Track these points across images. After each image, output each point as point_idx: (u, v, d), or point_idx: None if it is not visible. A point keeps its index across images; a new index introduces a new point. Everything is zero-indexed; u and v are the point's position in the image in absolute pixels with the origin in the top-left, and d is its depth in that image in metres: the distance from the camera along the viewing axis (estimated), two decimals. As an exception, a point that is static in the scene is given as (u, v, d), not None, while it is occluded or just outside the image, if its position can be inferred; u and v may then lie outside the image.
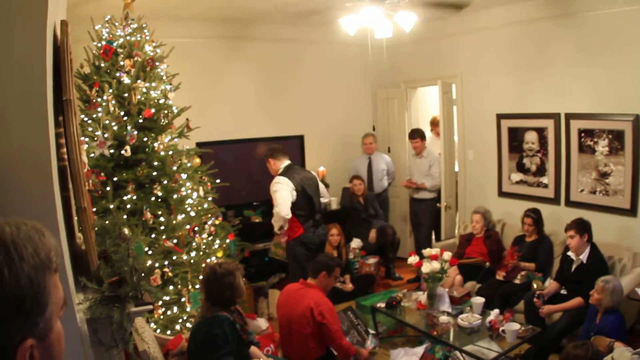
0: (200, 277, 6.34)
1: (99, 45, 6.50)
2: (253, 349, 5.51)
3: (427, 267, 7.46)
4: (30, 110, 3.06)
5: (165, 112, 6.71)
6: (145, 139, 6.43)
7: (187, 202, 6.77)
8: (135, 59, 6.48)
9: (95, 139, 5.91)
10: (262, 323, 7.26)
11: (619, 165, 7.80)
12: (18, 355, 1.38)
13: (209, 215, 7.15)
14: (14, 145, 3.05)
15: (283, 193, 7.88)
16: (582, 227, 7.06)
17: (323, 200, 8.81)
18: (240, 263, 6.48)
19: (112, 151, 6.11)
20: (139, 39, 6.63)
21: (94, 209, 5.67)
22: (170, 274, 6.27)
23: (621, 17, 7.57)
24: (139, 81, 6.42)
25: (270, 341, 6.75)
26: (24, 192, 3.09)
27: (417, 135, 10.68)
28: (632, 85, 7.55)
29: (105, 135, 5.99)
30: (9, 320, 1.36)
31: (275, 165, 8.34)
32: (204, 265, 6.62)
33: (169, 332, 6.25)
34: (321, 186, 8.74)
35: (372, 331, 7.75)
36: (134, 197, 6.30)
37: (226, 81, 10.16)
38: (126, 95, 6.37)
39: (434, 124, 11.75)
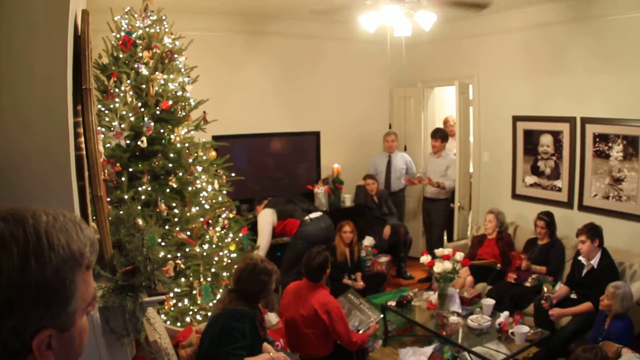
0: (213, 270, 6.40)
1: (118, 36, 6.50)
2: (264, 344, 5.54)
3: (438, 267, 7.48)
4: (50, 99, 3.07)
5: (183, 104, 6.71)
6: (161, 131, 6.43)
7: (201, 194, 6.78)
8: (154, 50, 6.48)
9: (112, 129, 5.91)
10: (272, 318, 7.26)
11: (633, 171, 7.80)
12: (34, 343, 1.39)
13: (223, 209, 7.16)
14: (32, 133, 3.06)
15: (263, 227, 8.72)
16: (593, 232, 7.06)
17: None
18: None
19: (128, 142, 6.10)
20: (158, 30, 6.63)
21: (109, 199, 5.70)
22: (182, 265, 6.27)
23: (638, 22, 7.55)
24: (157, 73, 6.43)
25: (280, 336, 6.75)
26: (41, 180, 3.10)
27: (439, 135, 10.66)
28: (648, 90, 7.55)
29: (122, 126, 5.99)
30: (28, 308, 1.36)
31: (260, 208, 9.12)
32: (216, 257, 6.65)
33: (179, 324, 6.26)
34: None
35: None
36: (149, 188, 6.30)
37: (244, 75, 10.20)
38: (144, 86, 6.37)
39: (446, 124, 11.74)
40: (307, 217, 8.77)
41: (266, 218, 8.83)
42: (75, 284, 1.45)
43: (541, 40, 9.11)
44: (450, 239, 10.83)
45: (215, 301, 6.47)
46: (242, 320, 5.08)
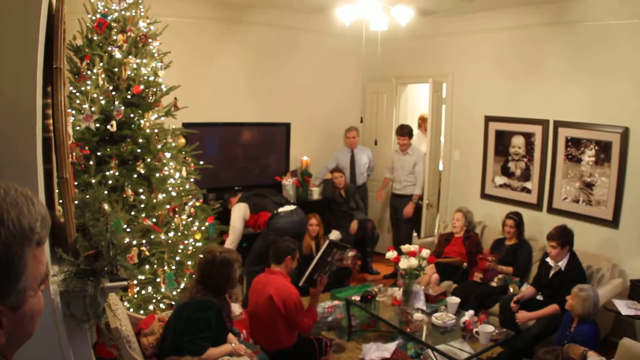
0: (177, 258, 6.36)
1: (93, 18, 6.44)
2: (229, 335, 5.53)
3: (404, 263, 7.45)
4: (19, 76, 3.03)
5: (154, 89, 6.67)
6: (131, 115, 6.40)
7: (169, 181, 6.74)
8: (129, 34, 6.44)
9: (82, 112, 5.87)
10: (236, 309, 7.24)
11: (604, 176, 7.83)
12: None
13: (190, 197, 7.13)
14: (0, 112, 3.02)
15: (234, 222, 8.58)
16: (565, 240, 7.08)
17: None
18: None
19: (97, 125, 6.05)
20: (133, 14, 6.59)
21: (76, 183, 5.65)
22: (147, 252, 6.25)
23: (617, 29, 7.61)
24: (130, 57, 6.39)
25: (243, 327, 6.74)
26: (6, 159, 3.06)
27: (405, 132, 10.59)
28: (623, 97, 7.59)
29: (92, 109, 5.95)
30: None
31: (234, 201, 9.07)
32: (181, 246, 6.61)
33: (142, 311, 6.23)
34: None
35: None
36: (116, 173, 6.26)
37: (217, 63, 10.13)
38: (116, 70, 6.34)
39: (424, 120, 11.72)
40: (278, 210, 8.73)
41: (238, 213, 8.81)
42: (24, 260, 1.41)
43: (518, 42, 9.15)
44: (419, 236, 10.84)
45: (179, 290, 6.45)
46: (208, 311, 5.10)
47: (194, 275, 6.53)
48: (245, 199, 8.99)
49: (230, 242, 8.30)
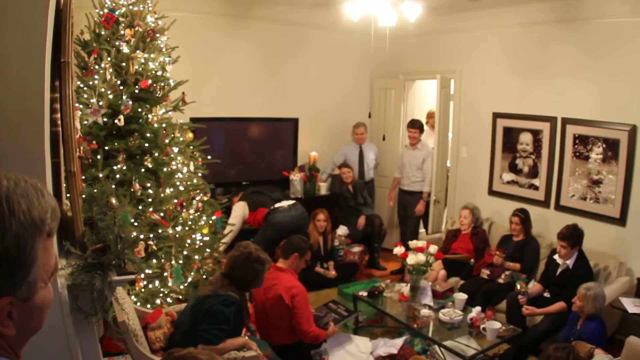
0: (185, 252, 6.36)
1: (101, 12, 6.43)
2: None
3: (412, 259, 7.45)
4: (27, 70, 3.03)
5: (162, 84, 6.64)
6: (139, 110, 6.38)
7: (176, 176, 6.73)
8: (136, 28, 6.42)
9: (90, 106, 5.87)
10: (245, 304, 7.26)
11: (612, 174, 7.82)
12: None
13: (198, 191, 7.11)
14: (8, 105, 3.02)
15: (233, 220, 8.77)
16: (576, 241, 7.10)
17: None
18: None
19: (105, 120, 6.04)
20: (141, 9, 6.56)
21: (83, 177, 5.65)
22: (154, 247, 6.23)
23: (626, 27, 7.58)
24: (138, 51, 6.37)
25: (250, 322, 6.74)
26: (14, 152, 3.06)
27: (417, 125, 10.61)
28: (631, 95, 7.58)
29: (100, 103, 5.93)
30: None
31: (236, 200, 9.33)
32: (188, 240, 6.61)
33: (149, 305, 6.22)
34: None
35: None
36: (124, 168, 6.25)
37: (225, 59, 10.15)
38: (124, 64, 6.31)
39: (431, 116, 11.70)
40: (275, 205, 8.78)
41: (237, 211, 8.99)
42: (35, 251, 1.42)
43: (526, 39, 9.12)
44: (427, 232, 10.83)
45: (185, 284, 6.45)
46: (230, 306, 5.12)
47: (214, 270, 6.58)
48: (245, 198, 9.20)
49: (228, 237, 8.35)
